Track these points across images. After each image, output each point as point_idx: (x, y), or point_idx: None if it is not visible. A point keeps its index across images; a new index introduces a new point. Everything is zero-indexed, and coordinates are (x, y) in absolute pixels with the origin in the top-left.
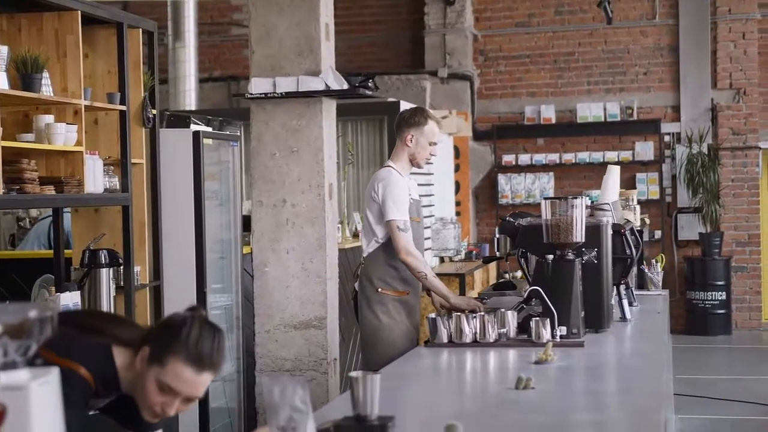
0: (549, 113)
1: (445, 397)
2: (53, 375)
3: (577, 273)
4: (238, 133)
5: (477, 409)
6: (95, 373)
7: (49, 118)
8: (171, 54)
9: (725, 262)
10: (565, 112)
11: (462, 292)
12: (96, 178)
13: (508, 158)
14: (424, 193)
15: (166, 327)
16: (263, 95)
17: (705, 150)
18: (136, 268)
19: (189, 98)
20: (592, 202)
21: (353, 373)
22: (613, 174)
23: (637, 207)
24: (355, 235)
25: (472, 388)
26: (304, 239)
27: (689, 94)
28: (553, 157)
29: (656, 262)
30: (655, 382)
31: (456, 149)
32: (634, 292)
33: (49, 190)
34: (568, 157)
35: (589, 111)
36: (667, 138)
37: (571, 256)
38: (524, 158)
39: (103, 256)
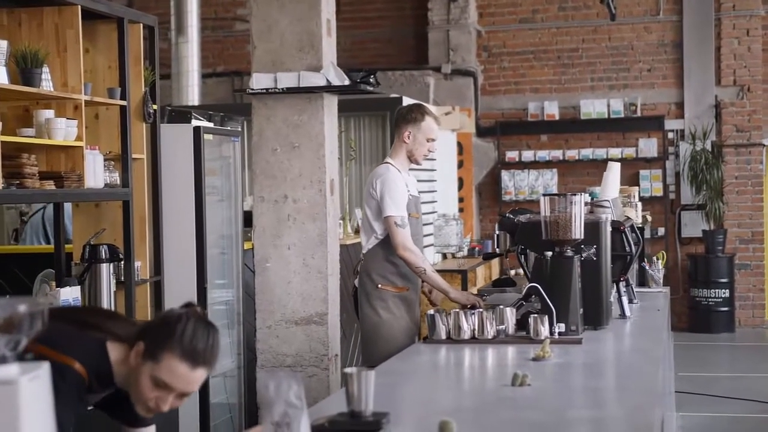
0: (552, 109)
1: (441, 393)
2: (44, 370)
3: (575, 270)
4: (240, 129)
5: (473, 405)
6: (89, 367)
7: (49, 113)
8: (174, 49)
9: (729, 259)
10: (569, 108)
11: (464, 289)
12: (96, 173)
13: (511, 154)
14: (426, 189)
15: (161, 323)
16: (264, 91)
17: (709, 147)
18: (137, 264)
19: (192, 93)
20: (592, 198)
21: (348, 369)
22: (614, 171)
23: (639, 204)
24: (357, 231)
25: (469, 385)
26: (305, 235)
27: (693, 91)
28: (557, 154)
29: (657, 259)
30: (652, 379)
31: (459, 145)
32: (635, 290)
33: (49, 185)
34: (572, 153)
35: (593, 107)
36: (670, 135)
37: (569, 253)
38: (527, 155)
39: (104, 252)
